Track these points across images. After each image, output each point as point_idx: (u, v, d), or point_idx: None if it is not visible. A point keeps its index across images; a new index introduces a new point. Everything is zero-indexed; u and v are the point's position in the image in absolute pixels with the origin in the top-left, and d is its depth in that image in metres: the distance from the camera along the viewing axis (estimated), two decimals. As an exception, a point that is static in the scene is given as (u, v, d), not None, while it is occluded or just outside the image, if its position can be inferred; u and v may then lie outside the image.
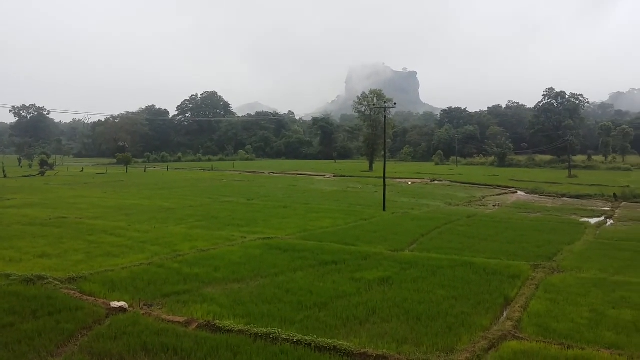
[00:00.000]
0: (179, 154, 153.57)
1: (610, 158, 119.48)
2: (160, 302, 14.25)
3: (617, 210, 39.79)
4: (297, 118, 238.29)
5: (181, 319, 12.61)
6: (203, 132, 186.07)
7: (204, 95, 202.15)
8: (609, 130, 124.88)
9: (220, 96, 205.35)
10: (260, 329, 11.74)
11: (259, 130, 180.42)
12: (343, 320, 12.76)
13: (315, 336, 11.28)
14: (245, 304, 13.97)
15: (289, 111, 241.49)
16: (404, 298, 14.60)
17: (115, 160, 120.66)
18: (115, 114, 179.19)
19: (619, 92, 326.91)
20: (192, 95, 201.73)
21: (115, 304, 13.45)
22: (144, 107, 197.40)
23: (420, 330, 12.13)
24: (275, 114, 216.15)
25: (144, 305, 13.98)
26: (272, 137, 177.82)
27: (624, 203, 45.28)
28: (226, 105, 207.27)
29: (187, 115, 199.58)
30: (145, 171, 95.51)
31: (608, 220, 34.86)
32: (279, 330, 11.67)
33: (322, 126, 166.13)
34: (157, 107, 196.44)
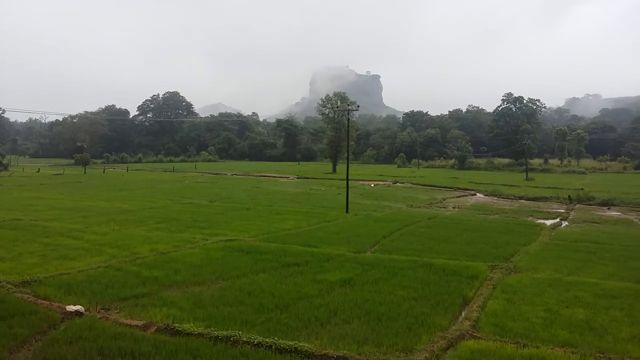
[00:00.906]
0: (140, 155, 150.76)
1: (565, 162, 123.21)
2: (118, 306, 13.98)
3: (571, 212, 41.10)
4: (261, 119, 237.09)
5: (139, 323, 12.39)
6: (165, 133, 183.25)
7: (165, 96, 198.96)
8: (565, 134, 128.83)
9: (182, 96, 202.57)
10: (220, 331, 11.65)
11: (222, 132, 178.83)
12: (304, 322, 12.79)
13: (276, 338, 11.27)
14: (205, 306, 13.84)
15: (253, 112, 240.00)
16: (365, 299, 14.73)
17: (73, 161, 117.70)
18: (74, 113, 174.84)
19: (574, 97, 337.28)
20: (154, 96, 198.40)
21: (71, 307, 13.11)
22: (103, 107, 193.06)
23: (381, 331, 12.27)
24: (239, 115, 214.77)
25: (101, 309, 13.69)
26: (236, 139, 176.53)
27: (578, 205, 46.81)
28: (189, 106, 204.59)
29: (149, 115, 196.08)
30: (104, 172, 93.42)
31: (563, 222, 35.96)
32: (240, 332, 11.60)
33: (286, 128, 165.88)
34: (117, 107, 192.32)
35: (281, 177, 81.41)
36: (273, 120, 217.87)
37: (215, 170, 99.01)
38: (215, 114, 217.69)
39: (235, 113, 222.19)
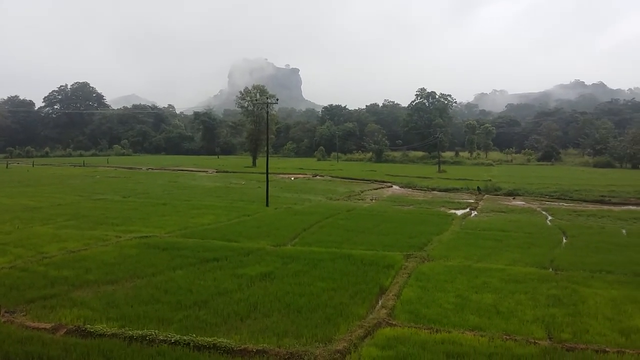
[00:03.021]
0: (47, 149, 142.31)
1: (475, 154, 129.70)
2: (24, 309, 13.18)
3: (480, 202, 43.33)
4: (178, 112, 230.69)
5: (48, 325, 11.78)
6: (74, 126, 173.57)
7: (74, 87, 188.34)
8: (474, 128, 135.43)
9: (92, 87, 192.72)
10: (135, 331, 11.30)
11: (137, 124, 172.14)
12: (224, 318, 12.66)
13: (194, 335, 11.09)
14: (119, 306, 13.35)
15: (169, 105, 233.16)
16: (285, 292, 14.79)
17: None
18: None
19: (482, 93, 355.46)
20: (61, 86, 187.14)
21: (-31, 313, 12.21)
22: (5, 98, 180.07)
23: (301, 323, 12.37)
24: (154, 107, 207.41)
25: (6, 312, 12.86)
26: (151, 132, 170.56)
27: (486, 195, 49.42)
28: (99, 97, 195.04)
29: (56, 107, 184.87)
30: (7, 167, 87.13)
31: (472, 211, 37.83)
32: (156, 331, 11.31)
33: (204, 121, 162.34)
34: (22, 97, 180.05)
35: (199, 171, 79.78)
36: (190, 112, 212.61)
37: (129, 164, 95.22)
38: (129, 105, 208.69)
39: (150, 105, 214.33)
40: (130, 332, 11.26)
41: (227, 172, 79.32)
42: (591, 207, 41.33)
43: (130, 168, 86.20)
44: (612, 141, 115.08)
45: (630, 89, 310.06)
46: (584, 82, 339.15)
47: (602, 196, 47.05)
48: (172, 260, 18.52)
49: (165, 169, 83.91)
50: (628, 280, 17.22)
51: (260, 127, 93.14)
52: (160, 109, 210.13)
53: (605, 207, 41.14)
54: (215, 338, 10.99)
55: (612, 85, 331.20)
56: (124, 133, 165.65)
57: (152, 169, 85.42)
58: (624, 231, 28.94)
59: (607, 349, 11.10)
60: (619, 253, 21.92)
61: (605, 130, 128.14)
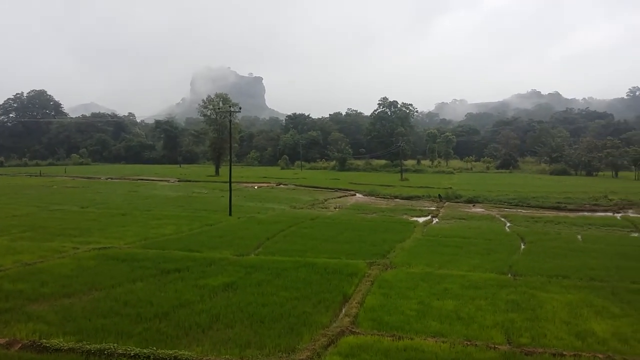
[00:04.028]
0: (1, 159, 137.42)
1: (436, 162, 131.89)
2: (-25, 325, 12.67)
3: (441, 210, 44.00)
4: (139, 120, 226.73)
5: (2, 341, 11.45)
6: (30, 135, 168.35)
7: (30, 94, 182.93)
8: (435, 137, 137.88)
9: (50, 95, 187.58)
10: (93, 345, 11.04)
11: (96, 133, 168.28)
12: (185, 330, 12.47)
13: (154, 348, 10.89)
14: (76, 319, 12.99)
15: (129, 113, 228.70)
16: (248, 302, 14.68)
17: None
18: None
19: (443, 102, 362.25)
20: (17, 94, 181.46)
21: None
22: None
23: (264, 333, 12.29)
24: (114, 116, 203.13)
25: (-45, 329, 12.32)
26: (111, 141, 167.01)
27: (447, 203, 50.23)
28: (57, 105, 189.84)
29: (12, 115, 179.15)
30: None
31: (434, 219, 38.37)
32: (115, 345, 11.07)
33: (166, 129, 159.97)
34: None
35: (161, 181, 78.49)
36: (152, 121, 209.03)
37: (87, 174, 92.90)
38: (88, 114, 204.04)
39: (109, 113, 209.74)
40: (88, 346, 11.00)
41: (189, 181, 78.29)
42: (548, 213, 42.49)
43: (89, 178, 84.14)
44: (568, 149, 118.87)
45: (584, 99, 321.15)
46: (540, 92, 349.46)
47: (558, 203, 48.43)
48: (132, 272, 18.14)
49: (125, 179, 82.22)
50: (583, 284, 17.76)
51: (223, 136, 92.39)
52: (120, 117, 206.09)
53: (562, 214, 42.37)
54: (176, 351, 10.82)
55: (567, 95, 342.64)
56: (82, 142, 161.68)
57: (112, 178, 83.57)
58: (579, 237, 29.84)
59: (564, 353, 11.41)
60: (574, 258, 22.58)
61: (561, 138, 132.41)
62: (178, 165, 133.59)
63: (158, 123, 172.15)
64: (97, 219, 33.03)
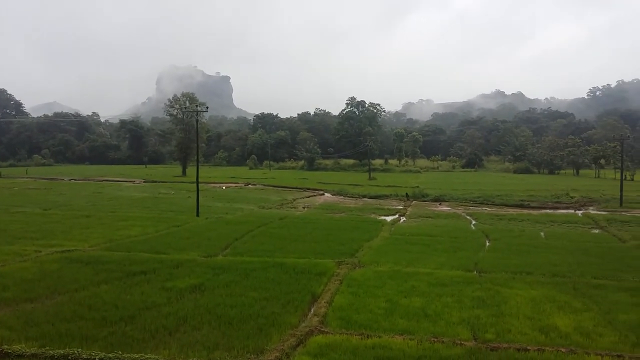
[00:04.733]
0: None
1: (403, 162, 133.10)
2: None
3: (408, 209, 44.47)
4: (103, 120, 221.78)
5: (-40, 349, 11.00)
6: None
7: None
8: (402, 136, 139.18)
9: (10, 94, 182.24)
10: (57, 350, 10.82)
11: (58, 133, 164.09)
12: (152, 333, 12.29)
13: (120, 352, 10.73)
14: (39, 324, 12.68)
15: (93, 112, 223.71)
16: (217, 303, 14.56)
17: None
18: None
19: (410, 102, 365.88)
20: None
21: None
22: None
23: (232, 334, 12.22)
24: (77, 115, 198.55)
25: None
26: (74, 141, 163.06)
27: (414, 202, 50.80)
28: (18, 105, 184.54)
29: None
30: None
31: (401, 217, 38.76)
32: (79, 349, 10.86)
33: (131, 129, 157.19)
34: None
35: (126, 181, 77.10)
36: (116, 120, 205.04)
37: (50, 175, 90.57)
38: (50, 113, 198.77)
39: (73, 113, 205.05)
40: (51, 351, 10.78)
41: (155, 182, 77.13)
42: (512, 211, 43.41)
43: (52, 179, 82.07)
44: (531, 148, 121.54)
45: (546, 99, 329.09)
46: (504, 92, 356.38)
47: (522, 201, 49.55)
48: (97, 275, 17.79)
49: (89, 180, 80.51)
50: (546, 280, 18.21)
51: (190, 136, 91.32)
52: (83, 117, 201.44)
53: (525, 211, 43.34)
54: (143, 354, 10.68)
55: (530, 95, 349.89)
56: (44, 142, 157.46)
57: (75, 179, 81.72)
58: (542, 234, 30.59)
59: (528, 348, 11.67)
60: (538, 255, 23.14)
61: (524, 137, 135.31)
62: (144, 166, 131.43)
63: (123, 123, 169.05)
64: (60, 221, 32.26)
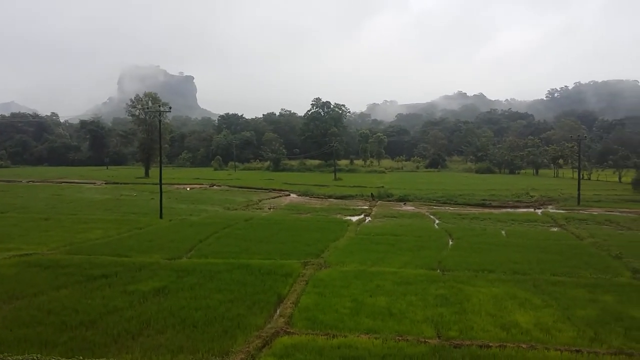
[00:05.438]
0: None
1: (368, 162, 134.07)
2: None
3: (374, 209, 44.83)
4: (62, 120, 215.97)
5: None
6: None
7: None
8: (367, 137, 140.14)
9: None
10: (15, 356, 10.51)
11: (15, 134, 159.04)
12: (114, 337, 12.06)
13: (80, 357, 10.52)
14: (-5, 331, 12.26)
15: (52, 113, 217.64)
16: (181, 306, 14.38)
17: None
18: None
19: (374, 103, 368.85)
20: None
21: None
22: None
23: (197, 337, 12.09)
24: (35, 116, 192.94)
25: None
26: (32, 142, 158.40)
27: (379, 201, 51.26)
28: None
29: None
30: None
31: (367, 217, 39.04)
32: (39, 355, 10.59)
33: (92, 130, 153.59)
34: None
35: (87, 183, 75.28)
36: (76, 121, 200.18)
37: (6, 177, 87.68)
38: (7, 114, 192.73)
39: (31, 113, 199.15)
40: (9, 357, 10.49)
41: (117, 183, 75.55)
42: (474, 210, 44.25)
43: (9, 181, 79.42)
44: (492, 149, 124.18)
45: (507, 100, 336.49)
46: (466, 93, 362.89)
47: (483, 200, 50.57)
48: (56, 279, 17.34)
49: (48, 181, 78.28)
50: (507, 278, 18.63)
51: (152, 136, 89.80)
52: (42, 117, 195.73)
53: (487, 210, 44.25)
54: (104, 359, 10.44)
55: (491, 96, 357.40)
56: (1, 143, 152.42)
57: (34, 181, 79.36)
58: (503, 232, 31.28)
59: (490, 344, 11.92)
60: (499, 253, 23.65)
61: (486, 138, 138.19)
62: (105, 167, 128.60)
63: (83, 123, 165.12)
64: (18, 224, 31.31)
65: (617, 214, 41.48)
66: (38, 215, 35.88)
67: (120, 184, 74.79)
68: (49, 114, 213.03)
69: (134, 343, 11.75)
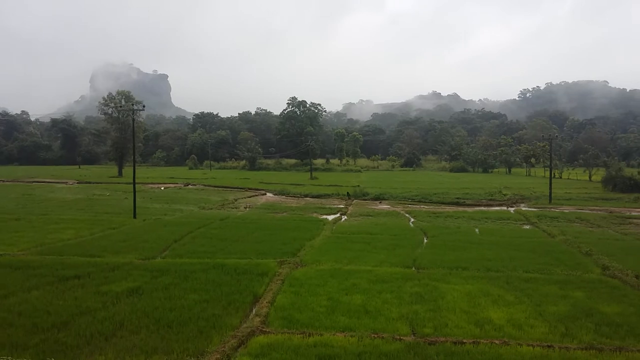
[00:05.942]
0: None
1: (344, 161, 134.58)
2: None
3: (350, 207, 44.97)
4: (33, 119, 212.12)
5: None
6: None
7: None
8: (343, 136, 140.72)
9: None
10: (-17, 360, 10.22)
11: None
12: (86, 338, 11.87)
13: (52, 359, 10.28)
14: (-37, 334, 11.96)
15: (22, 111, 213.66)
16: (155, 307, 14.23)
17: None
18: None
19: (350, 102, 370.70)
20: None
21: None
22: None
23: (171, 338, 11.98)
24: (5, 114, 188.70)
25: None
26: (1, 140, 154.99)
27: (355, 200, 51.43)
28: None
29: None
30: None
31: (343, 216, 39.14)
32: (9, 358, 10.42)
33: (63, 128, 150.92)
34: None
35: (58, 183, 73.88)
36: (48, 119, 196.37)
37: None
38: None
39: (0, 112, 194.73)
40: (-23, 362, 10.18)
41: (90, 183, 74.34)
42: (448, 208, 44.73)
43: (-24, 180, 77.58)
44: (466, 148, 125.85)
45: (480, 100, 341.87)
46: (440, 93, 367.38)
47: (457, 198, 51.15)
48: (27, 280, 16.97)
49: (18, 181, 76.63)
50: (481, 275, 18.90)
51: (126, 135, 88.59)
52: (12, 115, 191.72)
53: (461, 209, 44.78)
54: (77, 361, 10.28)
55: (465, 96, 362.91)
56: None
57: (4, 181, 77.57)
58: (476, 230, 31.70)
59: (464, 341, 12.09)
60: (473, 250, 23.96)
61: (460, 137, 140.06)
62: (77, 167, 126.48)
63: (55, 122, 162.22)
64: (-14, 225, 30.56)
65: (588, 211, 42.38)
66: (8, 216, 35.07)
67: (93, 183, 73.64)
68: (19, 112, 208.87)
69: (107, 344, 11.59)
